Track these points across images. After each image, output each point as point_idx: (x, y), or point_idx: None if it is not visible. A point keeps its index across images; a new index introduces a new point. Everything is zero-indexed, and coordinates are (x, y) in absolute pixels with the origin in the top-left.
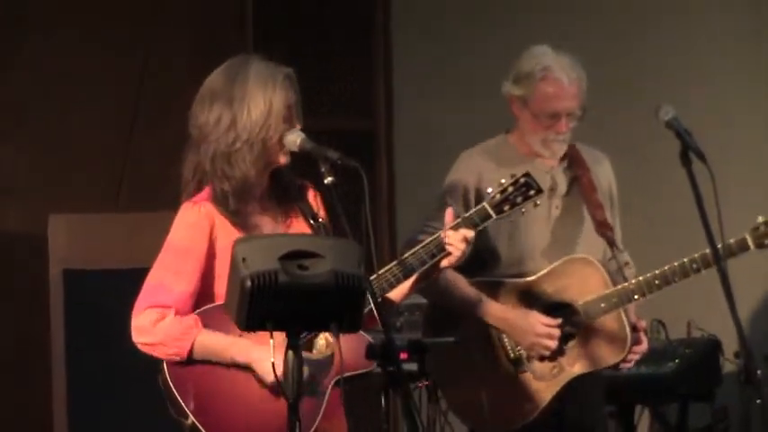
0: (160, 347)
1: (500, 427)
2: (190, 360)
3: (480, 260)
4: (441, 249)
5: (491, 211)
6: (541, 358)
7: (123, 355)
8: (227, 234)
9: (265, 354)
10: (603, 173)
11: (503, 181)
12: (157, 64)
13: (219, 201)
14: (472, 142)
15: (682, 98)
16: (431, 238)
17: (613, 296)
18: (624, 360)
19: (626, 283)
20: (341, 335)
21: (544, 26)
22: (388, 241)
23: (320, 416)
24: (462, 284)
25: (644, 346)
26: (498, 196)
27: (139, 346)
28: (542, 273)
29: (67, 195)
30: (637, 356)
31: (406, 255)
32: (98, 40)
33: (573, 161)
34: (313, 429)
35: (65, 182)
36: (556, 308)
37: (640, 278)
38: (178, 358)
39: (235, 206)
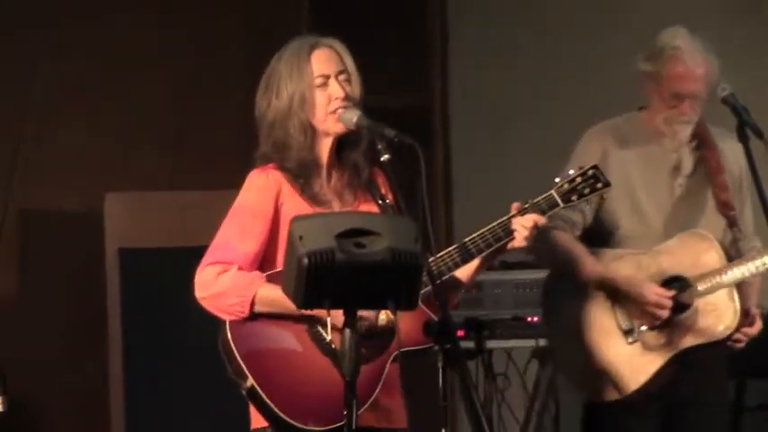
0: (222, 298)
1: (609, 395)
2: (251, 317)
3: (599, 236)
4: (508, 233)
5: (559, 200)
6: (652, 328)
7: (179, 333)
8: (294, 201)
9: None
10: (734, 156)
11: (570, 172)
12: (213, 44)
13: (287, 170)
14: (527, 117)
15: None
16: (498, 221)
17: (726, 271)
18: (732, 338)
19: (740, 260)
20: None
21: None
22: (444, 218)
23: (379, 388)
24: (580, 250)
25: (755, 329)
26: (566, 186)
27: (201, 302)
28: (659, 246)
29: (124, 174)
30: (747, 338)
31: (470, 237)
32: (155, 21)
33: (702, 141)
34: (371, 401)
35: (121, 161)
36: (670, 281)
37: (756, 258)
38: (239, 310)
39: (301, 178)
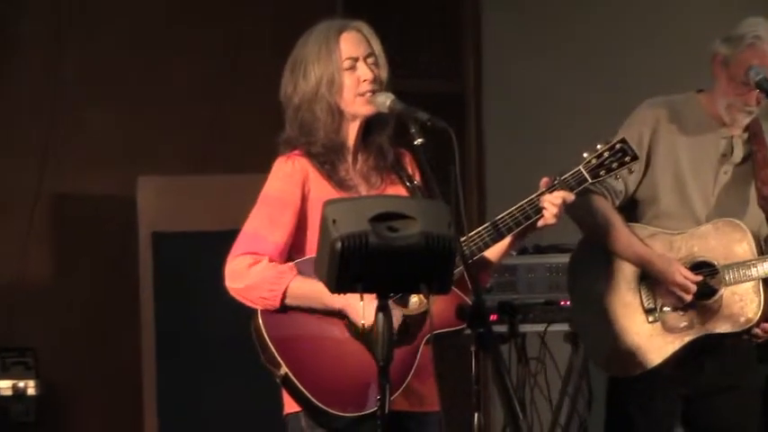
0: (253, 291)
1: (625, 370)
2: (283, 307)
3: (637, 208)
4: (537, 211)
5: (587, 175)
6: (674, 310)
7: (212, 317)
8: (321, 187)
9: (358, 299)
10: None
11: (598, 146)
12: (247, 28)
13: (312, 156)
14: (560, 102)
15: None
16: (527, 200)
17: (755, 264)
18: (750, 333)
19: None
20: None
21: None
22: (476, 202)
23: (412, 373)
24: (618, 220)
25: None
26: (594, 161)
27: (232, 293)
28: (693, 230)
29: (157, 158)
30: (766, 334)
31: (500, 217)
32: (185, 4)
33: (753, 135)
34: (404, 386)
35: (154, 145)
36: (698, 266)
37: None
38: (270, 303)
39: (327, 164)
